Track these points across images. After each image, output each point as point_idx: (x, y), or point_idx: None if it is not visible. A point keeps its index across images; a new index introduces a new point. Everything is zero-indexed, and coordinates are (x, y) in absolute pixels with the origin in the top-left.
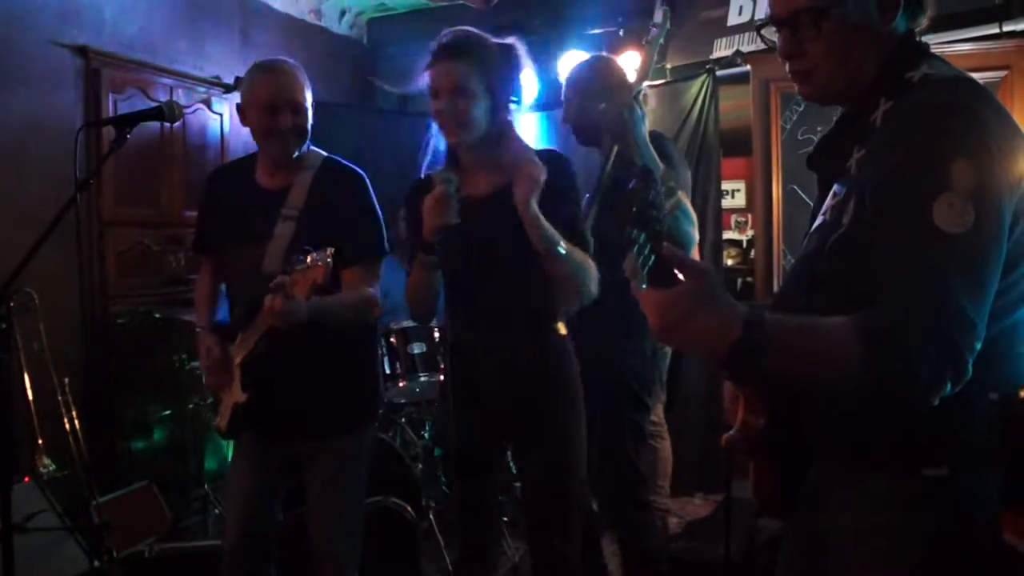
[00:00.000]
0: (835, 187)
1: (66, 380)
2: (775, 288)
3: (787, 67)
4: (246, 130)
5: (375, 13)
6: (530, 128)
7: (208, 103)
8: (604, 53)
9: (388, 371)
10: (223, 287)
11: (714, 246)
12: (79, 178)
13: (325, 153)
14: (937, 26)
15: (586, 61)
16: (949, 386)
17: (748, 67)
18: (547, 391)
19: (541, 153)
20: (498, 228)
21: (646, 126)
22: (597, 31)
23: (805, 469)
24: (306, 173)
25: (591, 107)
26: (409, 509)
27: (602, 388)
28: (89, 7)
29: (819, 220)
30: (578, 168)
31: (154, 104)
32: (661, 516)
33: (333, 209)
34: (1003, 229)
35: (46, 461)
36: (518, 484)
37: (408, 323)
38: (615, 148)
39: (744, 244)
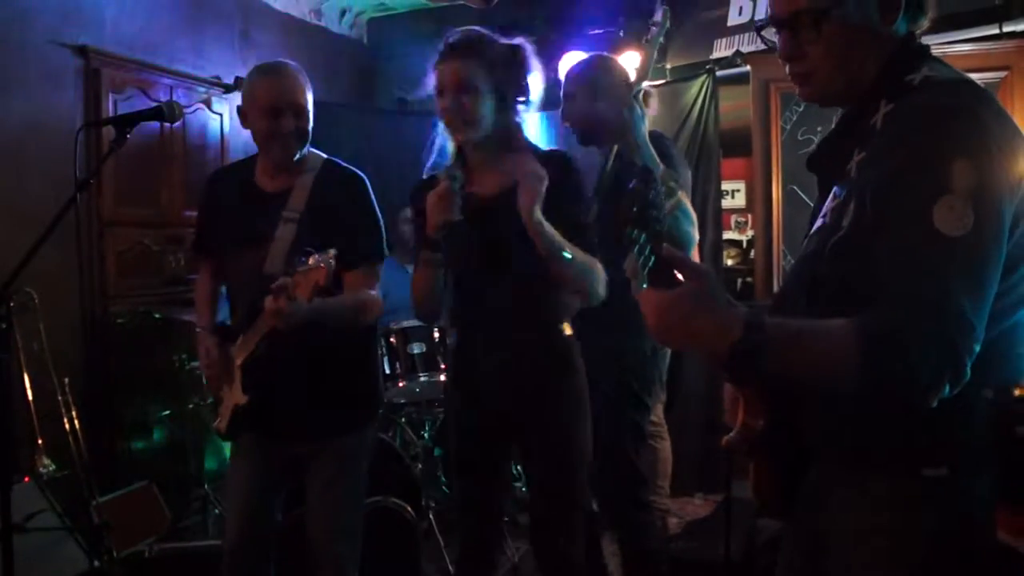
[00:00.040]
0: (835, 189)
1: (66, 380)
2: (775, 288)
3: (787, 68)
4: (246, 130)
5: (375, 13)
6: (530, 128)
7: (208, 103)
8: (604, 53)
9: (388, 371)
10: (223, 289)
11: (714, 246)
12: (79, 178)
13: (325, 155)
14: (937, 27)
15: (586, 60)
16: (948, 388)
17: (748, 67)
18: (551, 391)
19: (548, 154)
20: (503, 228)
21: (646, 126)
22: (597, 31)
23: (805, 470)
24: (307, 175)
25: (591, 106)
26: (409, 509)
27: (602, 388)
28: (89, 7)
29: (819, 222)
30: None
31: (154, 104)
32: (661, 516)
33: (334, 211)
34: (1003, 231)
35: (46, 461)
36: (518, 484)
37: (408, 323)
38: (615, 148)
39: (744, 244)
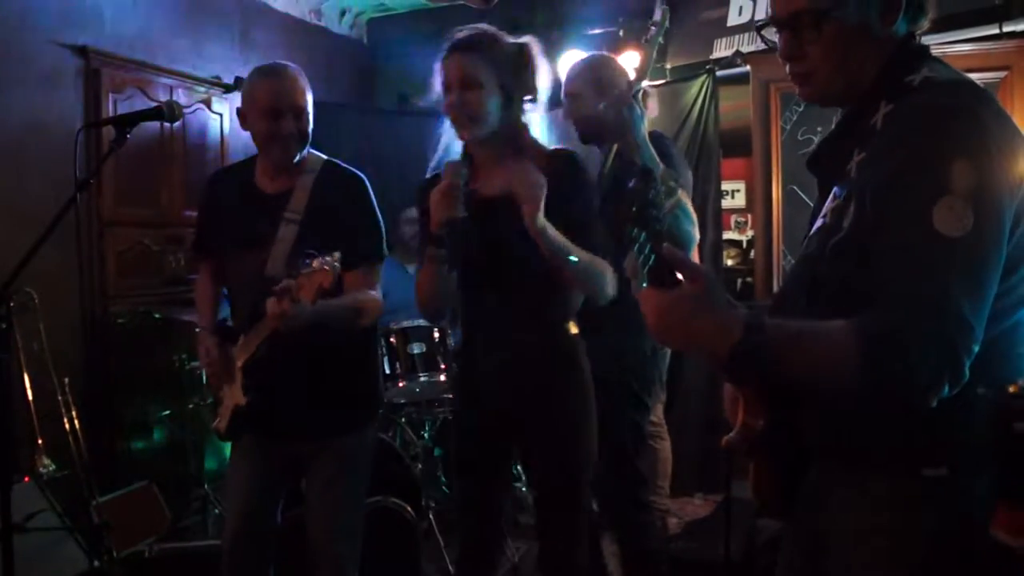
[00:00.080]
0: (835, 189)
1: (66, 380)
2: (775, 288)
3: (787, 68)
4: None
5: (375, 13)
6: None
7: (208, 103)
8: (604, 52)
9: (388, 371)
10: (224, 290)
11: (714, 246)
12: (79, 178)
13: (325, 156)
14: (937, 27)
15: (585, 59)
16: (947, 388)
17: (748, 67)
18: (554, 391)
19: (554, 153)
20: (505, 228)
21: (645, 125)
22: (597, 31)
23: (805, 470)
24: (307, 177)
25: (592, 106)
26: (409, 509)
27: (602, 388)
28: (89, 7)
29: (819, 222)
30: None
31: (154, 104)
32: (661, 516)
33: (334, 213)
34: (1003, 232)
35: (46, 461)
36: (518, 484)
37: (408, 323)
38: (614, 147)
39: (744, 244)
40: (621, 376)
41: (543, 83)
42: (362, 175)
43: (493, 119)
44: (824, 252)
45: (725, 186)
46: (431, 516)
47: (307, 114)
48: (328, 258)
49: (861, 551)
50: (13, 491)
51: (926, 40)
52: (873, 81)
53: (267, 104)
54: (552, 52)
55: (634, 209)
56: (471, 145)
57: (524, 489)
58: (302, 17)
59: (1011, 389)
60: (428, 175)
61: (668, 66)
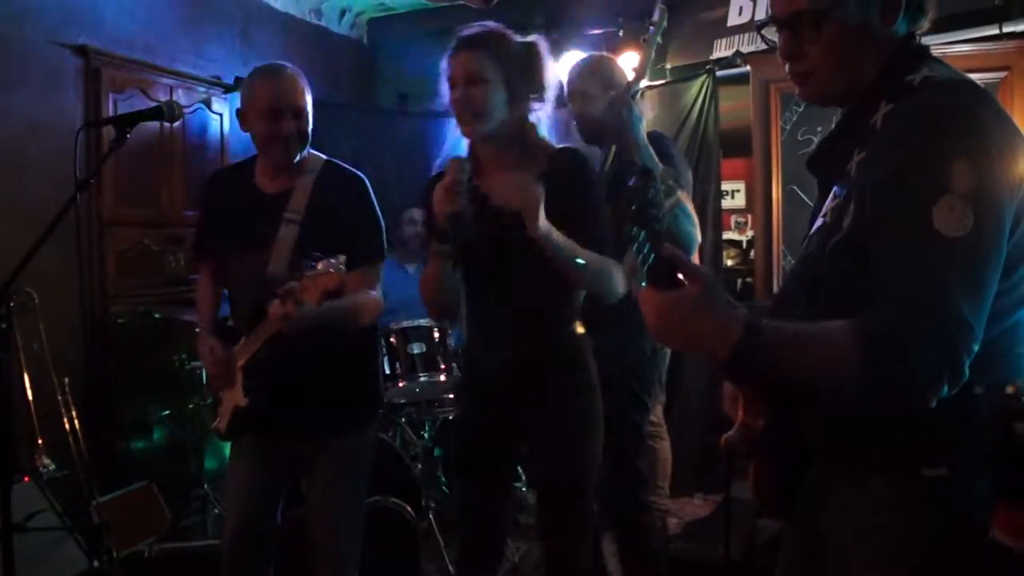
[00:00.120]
0: (835, 189)
1: (66, 380)
2: (775, 288)
3: (787, 68)
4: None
5: (375, 13)
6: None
7: (208, 103)
8: (604, 52)
9: (388, 371)
10: (224, 291)
11: (714, 246)
12: (79, 178)
13: (325, 156)
14: (937, 27)
15: (585, 60)
16: (946, 388)
17: (748, 67)
18: (557, 391)
19: (559, 151)
20: (511, 228)
21: (643, 126)
22: (597, 31)
23: (805, 470)
24: (307, 177)
25: (593, 105)
26: (409, 509)
27: (602, 388)
28: (89, 7)
29: (819, 222)
30: None
31: (154, 104)
32: (661, 516)
33: (335, 213)
34: (1003, 232)
35: (46, 461)
36: (518, 484)
37: (408, 323)
38: (613, 147)
39: (744, 244)
40: (621, 376)
41: (550, 81)
42: (362, 175)
43: (497, 115)
44: (824, 252)
45: (725, 186)
46: (431, 516)
47: (307, 114)
48: (333, 260)
49: (861, 551)
50: (13, 491)
51: (926, 40)
52: (873, 81)
53: (267, 104)
54: (552, 52)
55: (633, 208)
56: (475, 141)
57: (524, 489)
58: (302, 17)
59: (1010, 389)
60: (434, 172)
61: (668, 66)
